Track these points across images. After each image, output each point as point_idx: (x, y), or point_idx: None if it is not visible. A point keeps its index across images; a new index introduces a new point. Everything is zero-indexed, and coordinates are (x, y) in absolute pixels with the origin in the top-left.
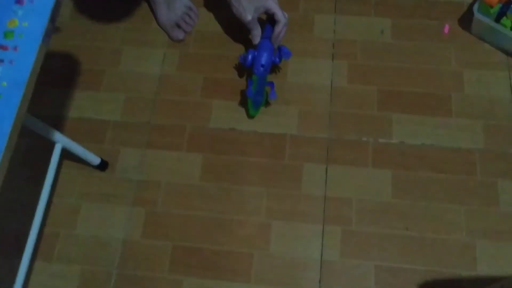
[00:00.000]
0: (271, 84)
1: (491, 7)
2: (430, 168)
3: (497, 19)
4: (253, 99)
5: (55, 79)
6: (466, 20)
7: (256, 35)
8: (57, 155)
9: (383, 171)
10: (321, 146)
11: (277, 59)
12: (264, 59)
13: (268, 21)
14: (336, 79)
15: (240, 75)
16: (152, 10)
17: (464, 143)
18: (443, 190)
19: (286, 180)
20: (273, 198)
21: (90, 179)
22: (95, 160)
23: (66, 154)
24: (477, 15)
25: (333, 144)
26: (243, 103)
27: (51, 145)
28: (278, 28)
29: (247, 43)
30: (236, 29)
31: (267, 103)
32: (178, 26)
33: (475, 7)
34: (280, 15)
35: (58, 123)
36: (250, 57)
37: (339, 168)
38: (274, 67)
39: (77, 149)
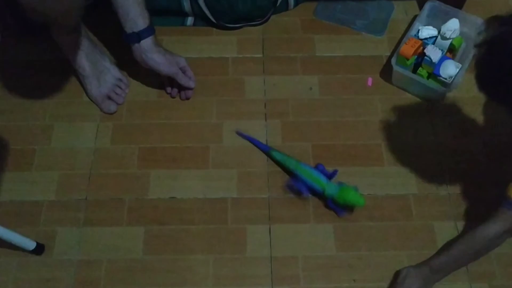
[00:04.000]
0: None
1: (407, 59)
2: (369, 217)
3: (414, 70)
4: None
5: None
6: (386, 73)
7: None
8: None
9: (324, 225)
10: (262, 206)
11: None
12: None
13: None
14: (271, 138)
15: (177, 141)
16: (81, 83)
17: (398, 189)
18: (384, 237)
19: (231, 244)
20: (220, 264)
21: (26, 265)
22: (30, 244)
23: None
24: (396, 68)
25: (274, 203)
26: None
27: None
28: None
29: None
30: (168, 95)
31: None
32: (110, 98)
33: (393, 60)
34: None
35: None
36: (302, 190)
37: (282, 226)
38: None
39: (9, 235)
